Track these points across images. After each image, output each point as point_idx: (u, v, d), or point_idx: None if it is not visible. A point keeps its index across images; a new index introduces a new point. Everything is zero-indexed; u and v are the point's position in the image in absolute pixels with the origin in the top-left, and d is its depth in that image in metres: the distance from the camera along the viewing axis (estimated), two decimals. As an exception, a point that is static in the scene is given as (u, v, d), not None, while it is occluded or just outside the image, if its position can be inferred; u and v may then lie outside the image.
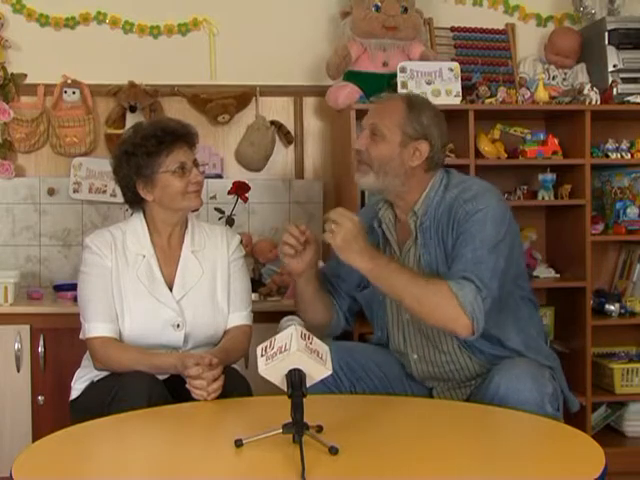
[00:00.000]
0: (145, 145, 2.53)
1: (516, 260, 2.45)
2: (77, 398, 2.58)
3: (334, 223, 2.32)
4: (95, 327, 2.51)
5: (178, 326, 2.55)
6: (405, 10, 3.69)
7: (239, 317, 2.64)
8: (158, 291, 2.56)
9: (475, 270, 2.31)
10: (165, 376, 2.46)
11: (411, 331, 2.55)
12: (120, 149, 2.60)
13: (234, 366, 2.55)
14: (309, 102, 3.94)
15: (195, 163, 2.59)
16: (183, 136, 2.58)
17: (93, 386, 2.54)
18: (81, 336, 2.59)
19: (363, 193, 3.49)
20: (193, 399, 2.32)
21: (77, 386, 2.60)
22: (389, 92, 3.48)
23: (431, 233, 2.45)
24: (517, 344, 2.46)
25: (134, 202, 2.62)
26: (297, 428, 1.83)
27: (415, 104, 2.51)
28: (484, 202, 2.40)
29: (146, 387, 2.33)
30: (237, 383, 2.44)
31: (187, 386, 2.32)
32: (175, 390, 2.40)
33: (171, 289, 2.58)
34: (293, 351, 1.89)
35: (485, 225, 2.36)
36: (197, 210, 2.70)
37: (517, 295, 2.51)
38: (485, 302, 2.29)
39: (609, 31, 3.77)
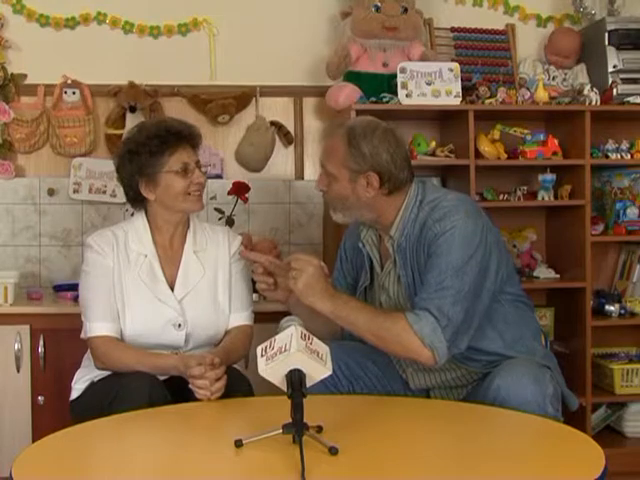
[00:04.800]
0: (149, 144, 2.53)
1: (494, 271, 2.42)
2: (77, 398, 2.58)
3: (295, 270, 2.35)
4: (96, 326, 2.51)
5: (179, 326, 2.55)
6: (405, 10, 3.69)
7: (240, 317, 2.64)
8: (160, 291, 2.56)
9: (436, 298, 2.32)
10: (165, 376, 2.46)
11: None
12: (124, 148, 2.61)
13: (235, 366, 2.56)
14: (309, 102, 3.94)
15: (198, 164, 2.59)
16: (187, 137, 2.59)
17: (93, 386, 2.54)
18: (82, 335, 2.59)
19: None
20: (193, 399, 2.32)
21: (77, 386, 2.60)
22: (388, 99, 3.49)
23: (407, 253, 2.46)
24: (507, 352, 2.45)
25: (136, 201, 2.62)
26: (297, 428, 1.83)
27: (354, 136, 2.45)
28: (452, 221, 2.37)
29: (147, 387, 2.33)
30: (239, 383, 2.44)
31: (190, 386, 2.32)
32: (175, 390, 2.40)
33: (172, 289, 2.58)
34: (293, 351, 1.89)
35: (451, 247, 2.35)
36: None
37: (505, 302, 2.49)
38: (445, 331, 2.30)
39: (609, 32, 3.78)
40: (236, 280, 2.67)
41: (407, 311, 2.35)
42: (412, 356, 2.35)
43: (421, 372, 2.55)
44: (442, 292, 2.32)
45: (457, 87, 3.55)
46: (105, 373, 2.52)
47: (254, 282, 2.77)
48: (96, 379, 2.54)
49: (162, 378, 2.44)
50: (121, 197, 3.59)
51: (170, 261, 2.61)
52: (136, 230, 2.62)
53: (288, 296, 2.55)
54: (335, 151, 2.47)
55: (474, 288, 2.35)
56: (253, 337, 2.64)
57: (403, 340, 2.31)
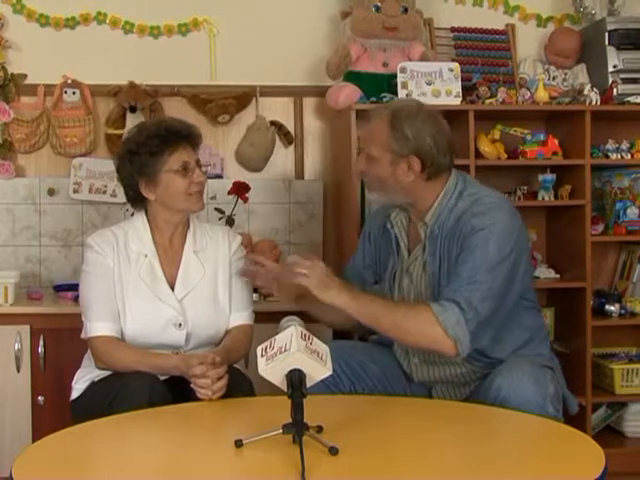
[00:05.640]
0: (149, 144, 2.53)
1: (522, 275, 2.43)
2: (78, 398, 2.58)
3: (302, 269, 2.36)
4: (97, 326, 2.51)
5: (180, 325, 2.55)
6: (405, 10, 3.69)
7: (240, 317, 2.64)
8: (160, 290, 2.56)
9: (466, 291, 2.33)
10: (166, 376, 2.46)
11: None
12: (124, 148, 2.61)
13: (236, 366, 2.56)
14: (309, 102, 3.94)
15: (198, 164, 2.59)
16: (187, 136, 2.59)
17: (94, 386, 2.54)
18: (82, 335, 2.59)
19: (363, 193, 3.49)
20: (194, 399, 2.32)
21: (78, 386, 2.60)
22: (388, 99, 3.47)
23: (439, 242, 2.46)
24: (511, 353, 2.46)
25: (136, 201, 2.63)
26: (297, 428, 1.83)
27: (398, 119, 2.45)
28: (493, 218, 2.38)
29: (147, 387, 2.33)
30: (240, 383, 2.44)
31: (192, 386, 2.32)
32: (176, 390, 2.40)
33: (173, 289, 2.58)
34: (293, 351, 1.89)
35: (488, 243, 2.35)
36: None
37: (521, 306, 2.51)
38: (469, 323, 2.31)
39: (609, 31, 3.77)
40: (236, 280, 2.66)
41: (432, 302, 2.35)
42: (435, 347, 2.35)
43: (426, 364, 2.55)
44: (473, 286, 2.32)
45: (457, 87, 3.55)
46: (105, 373, 2.52)
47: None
48: (96, 379, 2.54)
49: (162, 378, 2.44)
50: (121, 197, 3.59)
51: (170, 261, 2.61)
52: (136, 230, 2.62)
53: (293, 296, 2.56)
54: (378, 133, 2.47)
55: (503, 288, 2.36)
56: (253, 337, 2.64)
57: (427, 330, 2.31)
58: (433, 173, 2.46)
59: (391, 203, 2.57)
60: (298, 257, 2.44)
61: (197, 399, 2.32)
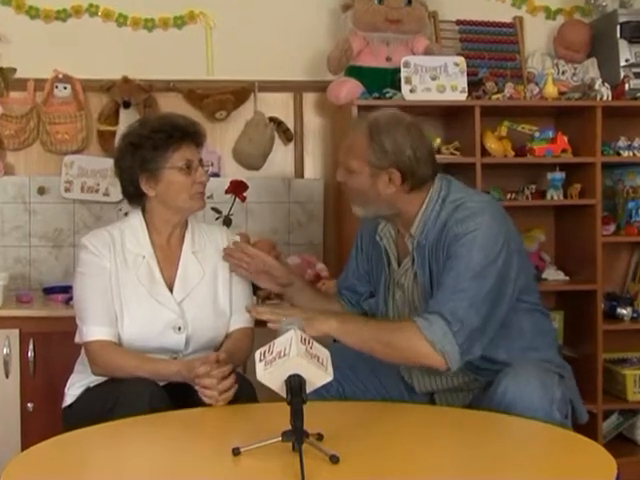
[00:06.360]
0: (153, 138, 2.54)
1: (515, 277, 2.41)
2: (71, 405, 2.58)
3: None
4: (93, 330, 2.51)
5: (179, 329, 2.55)
6: (409, 2, 3.69)
7: (241, 319, 2.64)
8: (158, 292, 2.57)
9: (450, 301, 2.32)
10: (164, 382, 2.46)
11: None
12: (125, 140, 2.61)
13: (237, 370, 2.56)
14: (309, 98, 3.94)
15: (201, 163, 2.60)
16: (192, 134, 2.60)
17: (89, 392, 2.54)
18: (77, 340, 2.59)
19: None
20: (193, 405, 2.32)
21: (71, 392, 2.59)
22: (391, 94, 3.51)
23: (426, 252, 2.47)
24: (515, 359, 2.44)
25: (134, 197, 2.62)
26: (297, 436, 1.83)
27: (377, 131, 2.45)
28: (475, 223, 2.37)
29: (147, 393, 2.33)
30: (243, 388, 2.43)
31: (197, 388, 2.32)
32: (174, 396, 2.40)
33: (171, 291, 2.59)
34: (293, 356, 1.89)
35: (472, 249, 2.35)
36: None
37: (520, 310, 2.50)
38: (457, 335, 2.30)
39: (621, 24, 3.77)
40: (236, 281, 2.67)
41: (416, 317, 2.35)
42: (424, 362, 2.36)
43: (427, 376, 2.56)
44: (458, 295, 2.32)
45: (463, 82, 3.55)
46: (101, 379, 2.52)
47: (252, 285, 2.78)
48: (92, 385, 2.54)
49: (161, 384, 2.45)
50: (114, 196, 3.62)
51: (168, 262, 2.62)
52: (133, 230, 2.62)
53: (283, 287, 2.63)
54: (356, 146, 2.48)
55: (492, 294, 2.35)
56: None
57: (414, 346, 2.32)
58: (415, 185, 2.46)
59: (374, 215, 2.57)
60: (278, 311, 2.40)
61: (196, 405, 2.32)
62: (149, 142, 2.54)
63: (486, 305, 2.34)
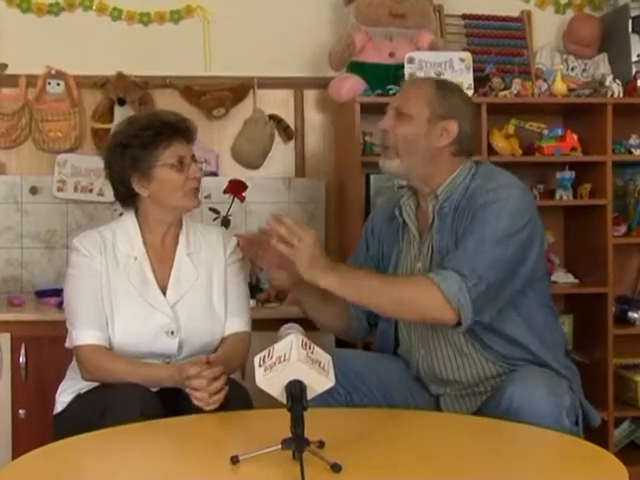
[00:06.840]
0: (141, 136, 2.53)
1: (533, 260, 2.45)
2: (62, 412, 2.57)
3: (292, 236, 2.34)
4: (84, 334, 2.50)
5: (172, 333, 2.54)
6: (413, -4, 3.69)
7: (237, 323, 2.63)
8: (151, 295, 2.56)
9: (471, 260, 2.36)
10: (156, 388, 2.45)
11: (418, 324, 2.57)
12: (114, 140, 2.61)
13: (232, 377, 2.55)
14: (310, 95, 3.94)
15: (194, 159, 2.60)
16: (183, 130, 2.59)
17: (80, 399, 2.53)
18: (67, 344, 2.58)
19: (368, 193, 3.49)
20: (186, 412, 2.31)
21: (62, 399, 2.58)
22: (395, 91, 3.48)
23: (448, 220, 2.49)
24: (529, 344, 2.47)
25: (127, 198, 2.62)
26: (297, 444, 1.82)
27: (446, 85, 2.62)
28: (507, 193, 2.44)
29: (139, 399, 2.32)
30: (237, 394, 2.42)
31: (187, 391, 2.31)
32: (167, 403, 2.39)
33: (164, 293, 2.58)
34: (293, 361, 1.88)
35: (501, 215, 2.40)
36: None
37: (532, 299, 2.52)
38: (472, 290, 2.33)
39: (633, 18, 3.78)
40: (232, 284, 2.66)
41: (430, 273, 2.39)
42: (435, 316, 2.37)
43: (431, 357, 2.55)
44: (479, 255, 2.36)
45: (469, 78, 3.55)
46: (92, 385, 2.51)
47: (250, 287, 2.78)
48: (82, 391, 2.53)
49: (154, 390, 2.43)
50: (108, 196, 3.59)
51: (162, 264, 2.61)
52: (125, 230, 2.61)
53: (294, 282, 2.55)
54: (421, 91, 2.57)
55: (510, 264, 2.39)
56: (251, 345, 2.63)
57: (426, 299, 2.34)
58: (461, 149, 2.55)
59: (405, 172, 2.58)
60: (293, 222, 2.38)
61: (190, 412, 2.31)
62: (137, 141, 2.53)
63: (503, 272, 2.38)
